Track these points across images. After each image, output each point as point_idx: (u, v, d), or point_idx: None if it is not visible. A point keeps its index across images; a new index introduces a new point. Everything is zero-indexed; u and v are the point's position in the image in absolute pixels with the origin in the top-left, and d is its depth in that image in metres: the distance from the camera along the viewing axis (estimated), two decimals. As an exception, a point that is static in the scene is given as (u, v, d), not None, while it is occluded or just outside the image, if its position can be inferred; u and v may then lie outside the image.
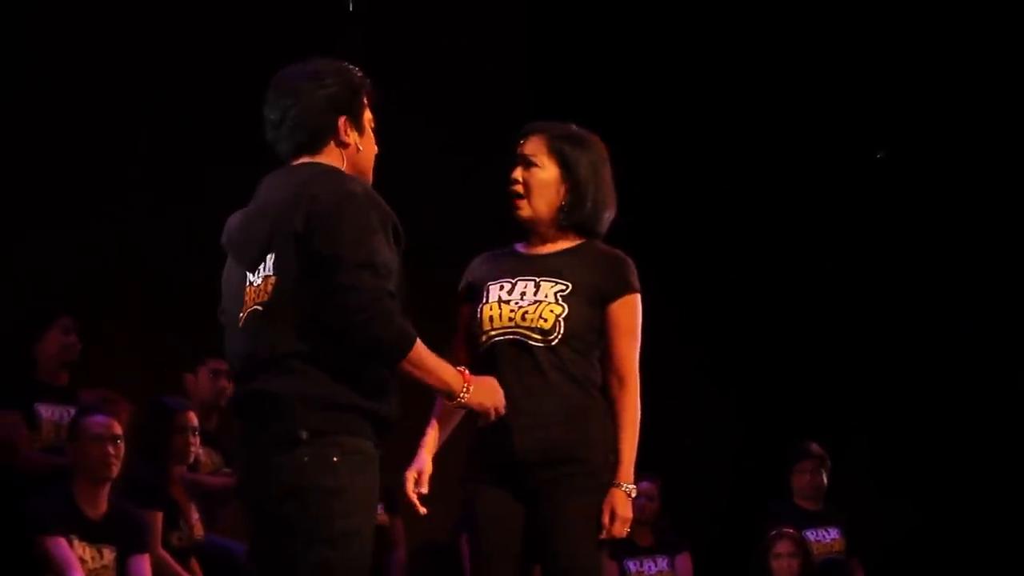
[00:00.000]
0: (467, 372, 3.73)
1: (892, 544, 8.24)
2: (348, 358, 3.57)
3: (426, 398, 3.93)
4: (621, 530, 4.13)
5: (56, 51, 7.03)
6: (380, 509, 7.38)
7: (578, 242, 4.29)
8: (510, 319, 4.19)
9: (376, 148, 3.86)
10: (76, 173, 7.04)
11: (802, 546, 7.32)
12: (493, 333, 4.21)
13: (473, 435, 4.27)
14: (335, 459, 3.57)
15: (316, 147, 3.76)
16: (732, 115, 8.61)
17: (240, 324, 3.69)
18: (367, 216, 3.61)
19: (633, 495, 4.14)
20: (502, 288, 4.25)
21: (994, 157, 8.52)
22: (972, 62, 8.41)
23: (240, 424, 3.76)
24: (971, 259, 8.56)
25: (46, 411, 6.36)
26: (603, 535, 4.12)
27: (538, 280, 4.22)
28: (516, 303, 4.20)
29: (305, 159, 3.76)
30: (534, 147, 4.28)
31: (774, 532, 7.32)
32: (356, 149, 3.80)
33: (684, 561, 7.61)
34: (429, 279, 7.83)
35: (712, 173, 8.52)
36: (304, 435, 3.57)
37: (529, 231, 4.33)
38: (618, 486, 4.12)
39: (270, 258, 3.65)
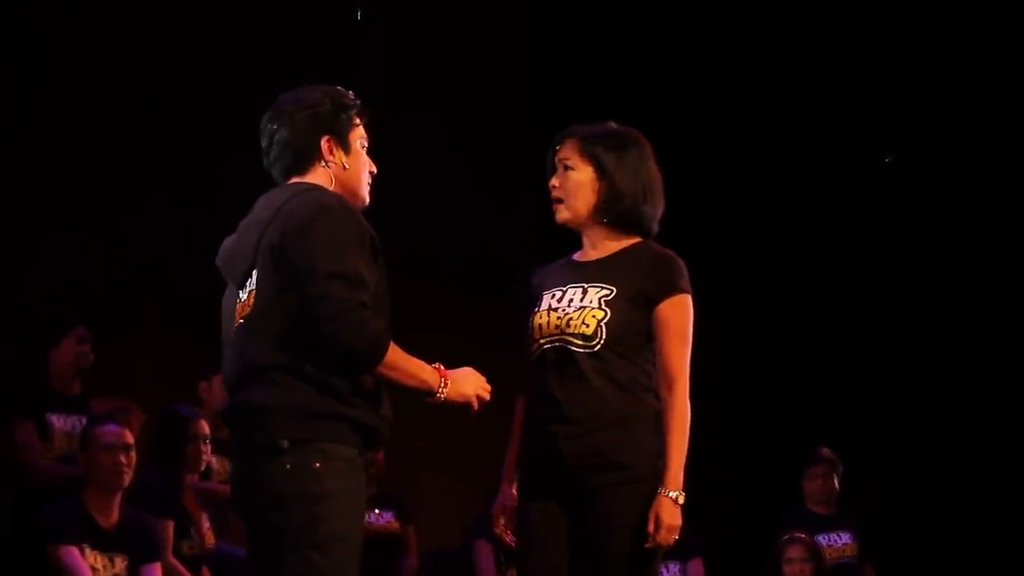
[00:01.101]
0: (442, 367, 3.75)
1: (905, 549, 8.23)
2: (328, 367, 3.62)
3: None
4: (668, 538, 4.04)
5: (81, 64, 7.06)
6: (392, 516, 7.42)
7: (629, 243, 4.25)
8: (556, 326, 4.17)
9: (369, 165, 3.93)
10: (93, 183, 7.06)
11: (814, 551, 7.30)
12: (542, 341, 4.19)
13: (521, 444, 4.28)
14: (316, 465, 3.62)
15: (302, 168, 3.85)
16: (741, 122, 8.60)
17: (231, 340, 3.80)
18: (341, 228, 3.68)
19: (681, 501, 4.05)
20: (553, 296, 4.24)
21: (1008, 158, 8.50)
22: (986, 65, 8.40)
23: (231, 435, 3.86)
24: (986, 263, 8.54)
25: (58, 421, 6.36)
26: (649, 543, 4.05)
27: (586, 286, 4.19)
28: (563, 310, 4.18)
29: (294, 180, 3.85)
30: (568, 151, 4.26)
31: (786, 537, 7.30)
32: (342, 168, 3.86)
33: (696, 566, 7.60)
34: (433, 282, 7.94)
35: (721, 180, 8.52)
36: (285, 444, 3.62)
37: (580, 237, 4.30)
38: (665, 493, 4.04)
39: (254, 273, 3.74)
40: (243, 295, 3.78)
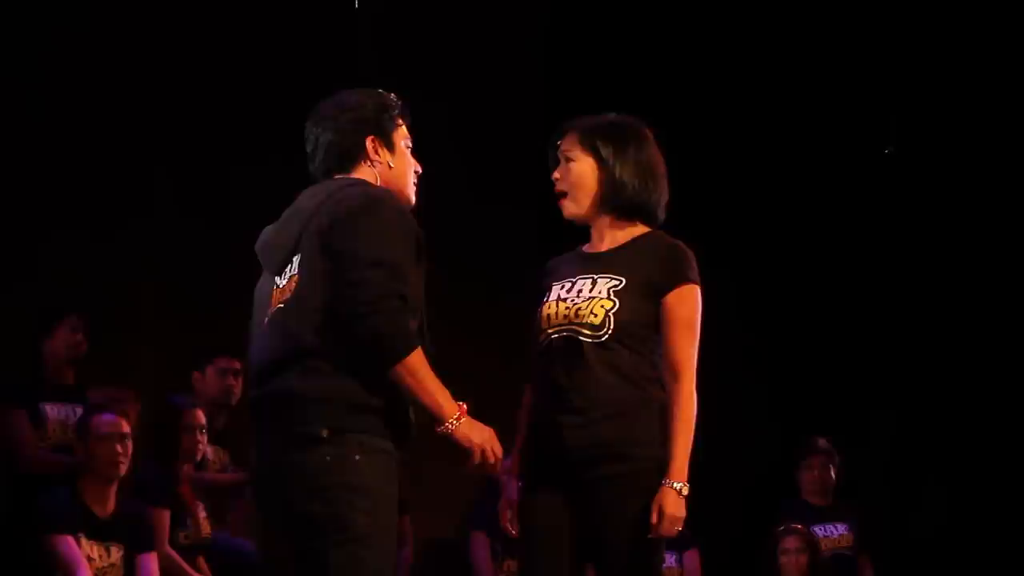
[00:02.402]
0: (465, 406, 3.70)
1: (901, 540, 8.23)
2: (365, 357, 3.59)
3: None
4: (671, 529, 4.03)
5: (78, 58, 7.05)
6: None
7: (637, 233, 4.24)
8: (564, 316, 4.16)
9: (414, 165, 3.98)
10: (90, 175, 7.05)
11: (810, 542, 7.30)
12: (550, 331, 4.18)
13: (526, 433, 4.27)
14: (357, 457, 3.60)
15: (347, 167, 3.88)
16: (746, 112, 8.59)
17: (264, 326, 3.76)
18: (387, 219, 3.68)
19: (685, 493, 4.03)
20: (562, 287, 4.23)
21: (1011, 148, 8.49)
22: (988, 55, 8.39)
23: (255, 424, 3.78)
24: (990, 253, 8.53)
25: (52, 410, 6.36)
26: (652, 534, 4.03)
27: (595, 277, 4.18)
28: (572, 301, 4.17)
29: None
30: (569, 144, 4.26)
31: (782, 528, 7.30)
32: (388, 167, 3.90)
33: (692, 557, 7.60)
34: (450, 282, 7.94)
35: (725, 170, 8.51)
36: (324, 433, 3.59)
37: (588, 229, 4.29)
38: (669, 484, 4.02)
39: (296, 259, 3.73)
40: (281, 281, 3.76)
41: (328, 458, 3.59)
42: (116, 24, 7.16)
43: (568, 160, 4.26)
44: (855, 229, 8.73)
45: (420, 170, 3.98)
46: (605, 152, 4.21)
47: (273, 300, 3.76)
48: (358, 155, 3.87)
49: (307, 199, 3.81)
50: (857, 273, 8.72)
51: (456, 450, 3.71)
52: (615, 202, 4.22)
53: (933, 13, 8.41)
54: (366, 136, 3.87)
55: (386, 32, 7.97)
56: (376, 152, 3.88)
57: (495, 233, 8.22)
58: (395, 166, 3.91)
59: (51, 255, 6.87)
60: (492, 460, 3.71)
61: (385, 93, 3.97)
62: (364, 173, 3.87)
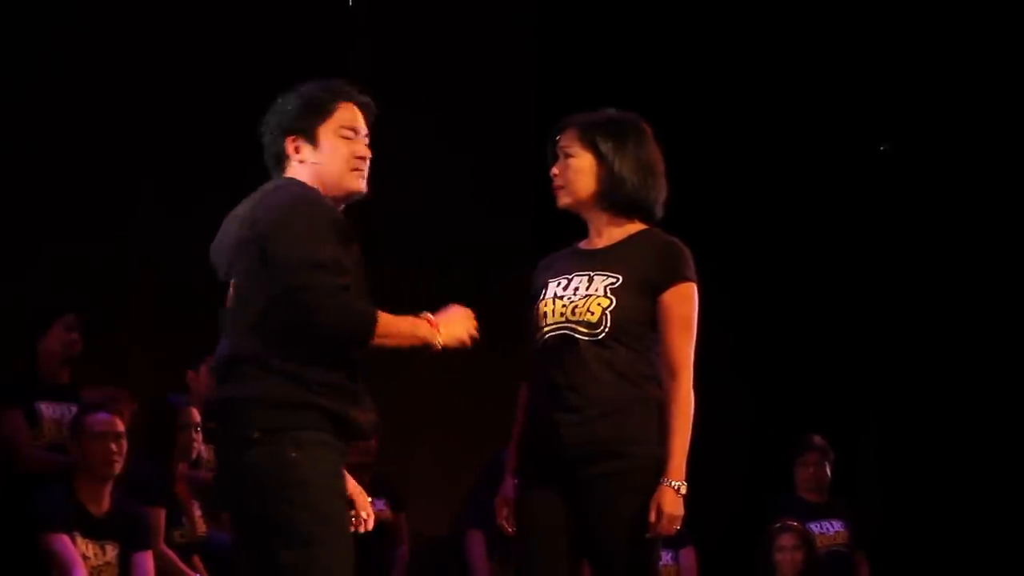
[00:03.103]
0: (430, 316, 3.82)
1: (896, 537, 8.23)
2: (304, 357, 3.69)
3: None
4: (669, 528, 4.04)
5: (76, 60, 7.07)
6: (384, 505, 7.41)
7: (634, 230, 4.23)
8: (561, 314, 4.16)
9: (353, 151, 3.92)
10: (85, 174, 7.05)
11: (806, 539, 7.30)
12: (547, 329, 4.18)
13: (522, 432, 4.27)
14: (292, 455, 3.67)
15: (279, 170, 3.92)
16: (738, 110, 8.59)
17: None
18: (313, 217, 3.73)
19: (683, 492, 4.04)
20: (559, 284, 4.22)
21: (1008, 147, 8.49)
22: (984, 51, 8.39)
23: (216, 429, 3.94)
24: (985, 252, 8.53)
25: (47, 409, 6.35)
26: (650, 533, 4.04)
27: (592, 274, 4.18)
28: (569, 298, 4.17)
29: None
30: (567, 139, 4.25)
31: (778, 525, 7.30)
32: (314, 163, 3.89)
33: (688, 555, 7.59)
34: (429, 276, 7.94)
35: (717, 169, 8.51)
36: (256, 435, 3.68)
37: (586, 226, 4.29)
38: (667, 483, 4.03)
39: (235, 266, 3.83)
40: (230, 289, 3.87)
41: (263, 457, 3.67)
42: (110, 23, 7.17)
43: (567, 156, 4.25)
44: (850, 225, 8.74)
45: (367, 153, 3.94)
46: (605, 148, 4.20)
47: (227, 305, 3.87)
48: (283, 157, 3.91)
49: (243, 205, 3.89)
50: (852, 270, 8.73)
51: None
52: (614, 198, 4.21)
53: (927, 10, 8.41)
54: (285, 137, 3.89)
55: (379, 33, 7.97)
56: (297, 151, 3.89)
57: (488, 230, 8.22)
58: (323, 160, 3.89)
59: (46, 255, 6.87)
60: (476, 333, 3.90)
61: (326, 82, 3.98)
62: (295, 172, 3.89)
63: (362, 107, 3.98)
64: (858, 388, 8.65)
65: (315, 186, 3.84)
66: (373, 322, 3.69)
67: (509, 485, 4.29)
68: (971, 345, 8.50)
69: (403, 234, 7.94)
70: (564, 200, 4.26)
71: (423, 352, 3.80)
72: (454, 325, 3.86)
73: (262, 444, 3.67)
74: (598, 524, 4.08)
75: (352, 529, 3.88)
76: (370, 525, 3.96)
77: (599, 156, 4.21)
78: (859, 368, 8.67)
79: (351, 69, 7.74)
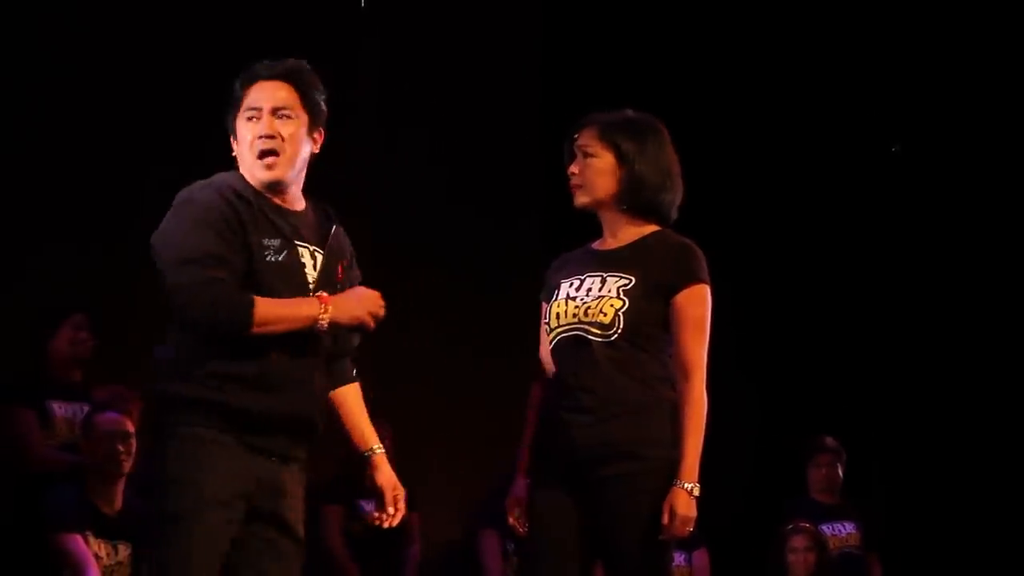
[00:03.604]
0: (324, 294, 3.73)
1: (909, 539, 8.21)
2: (193, 354, 3.68)
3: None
4: (682, 530, 4.04)
5: (80, 54, 7.05)
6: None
7: (648, 232, 4.23)
8: (574, 315, 4.16)
9: (255, 133, 3.80)
10: (93, 172, 7.04)
11: (818, 540, 7.29)
12: (560, 330, 4.18)
13: (534, 432, 4.27)
14: (168, 449, 3.69)
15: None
16: (753, 110, 8.58)
17: None
18: (183, 215, 3.73)
19: (696, 494, 4.04)
20: (571, 285, 4.22)
21: (1019, 148, 8.47)
22: (996, 52, 8.37)
23: None
24: (996, 252, 8.51)
25: (59, 408, 6.34)
26: (663, 535, 4.04)
27: (605, 275, 4.18)
28: (581, 299, 4.17)
29: None
30: (587, 138, 4.24)
31: (790, 526, 7.30)
32: (238, 154, 3.87)
33: (701, 557, 7.59)
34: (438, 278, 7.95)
35: (725, 170, 8.49)
36: (149, 432, 3.78)
37: (600, 226, 4.29)
38: (680, 485, 4.03)
39: None
40: None
41: (152, 455, 3.74)
42: (115, 22, 7.15)
43: (587, 155, 4.23)
44: (861, 226, 8.72)
45: (264, 130, 3.79)
46: (626, 148, 4.20)
47: None
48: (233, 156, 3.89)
49: None
50: (864, 270, 8.71)
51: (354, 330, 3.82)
52: (633, 199, 4.20)
53: (940, 11, 8.39)
54: (230, 137, 3.88)
55: (388, 33, 7.96)
56: (235, 148, 3.87)
57: (496, 232, 8.22)
58: (240, 150, 3.85)
59: (56, 254, 6.86)
60: (382, 314, 3.80)
61: (248, 68, 3.91)
62: (240, 167, 3.86)
63: (276, 78, 3.83)
64: (870, 388, 8.63)
65: (229, 177, 3.82)
66: (248, 310, 3.63)
67: (521, 485, 4.29)
68: (983, 345, 8.48)
69: (411, 236, 7.94)
70: (582, 199, 4.25)
71: (312, 327, 3.70)
72: (349, 302, 3.77)
73: (153, 440, 3.73)
74: (611, 526, 4.08)
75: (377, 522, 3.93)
76: (394, 522, 3.95)
77: (620, 156, 4.20)
78: (871, 368, 8.65)
79: (360, 70, 7.80)
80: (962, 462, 8.46)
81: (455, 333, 8.07)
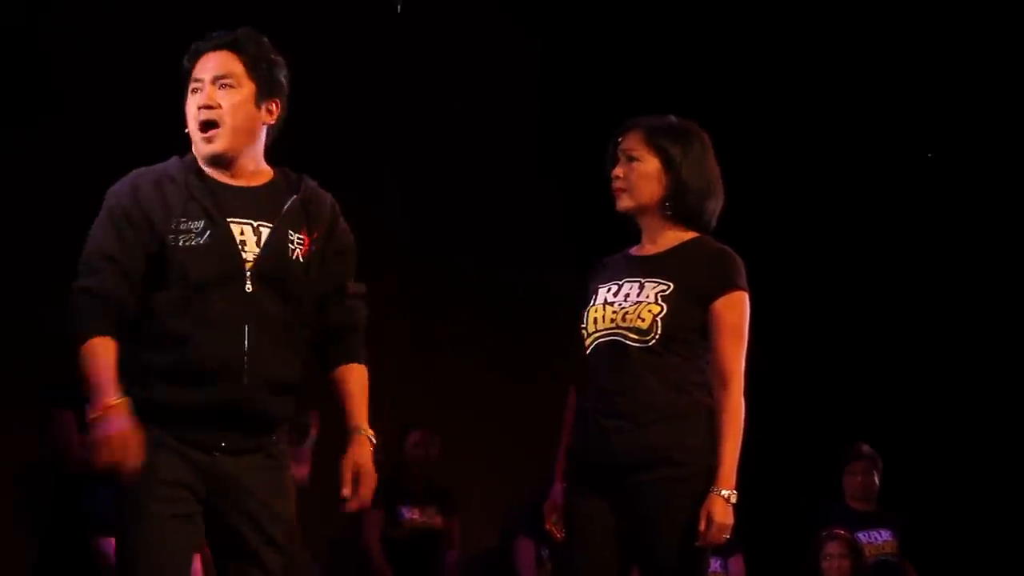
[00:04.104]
0: (121, 407, 3.46)
1: (945, 547, 8.18)
2: (124, 349, 3.56)
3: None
4: (719, 537, 4.02)
5: (111, 64, 7.09)
6: (435, 512, 7.44)
7: (687, 238, 4.22)
8: (611, 320, 4.15)
9: (195, 104, 3.65)
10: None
11: (853, 547, 7.27)
12: (597, 335, 4.18)
13: (571, 437, 4.26)
14: None
15: None
16: (788, 116, 8.57)
17: None
18: (101, 212, 3.66)
19: (733, 501, 4.03)
20: (609, 290, 4.22)
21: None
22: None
23: None
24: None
25: (96, 412, 6.36)
26: (700, 542, 4.03)
27: (643, 281, 4.18)
28: (619, 304, 4.16)
29: None
30: (633, 142, 4.23)
31: (825, 533, 7.28)
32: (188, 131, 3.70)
33: (737, 563, 7.59)
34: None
35: (759, 173, 8.49)
36: None
37: (639, 230, 4.28)
38: (717, 492, 4.02)
39: None
40: None
41: None
42: (143, 26, 7.18)
43: (631, 159, 4.22)
44: (897, 232, 8.70)
45: (204, 101, 3.61)
46: (672, 153, 4.19)
47: None
48: None
49: None
50: (901, 277, 8.69)
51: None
52: (676, 205, 4.20)
53: (976, 19, 8.37)
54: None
55: (419, 35, 7.98)
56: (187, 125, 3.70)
57: (532, 242, 8.23)
58: (189, 127, 3.68)
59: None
60: (108, 460, 3.45)
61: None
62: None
63: (218, 48, 3.66)
64: (908, 395, 8.61)
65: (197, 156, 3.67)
66: (78, 336, 3.53)
67: (557, 490, 4.28)
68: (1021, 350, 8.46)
69: (448, 247, 7.97)
70: (626, 203, 4.24)
71: None
72: (116, 439, 3.43)
73: None
74: (648, 532, 4.07)
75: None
76: (350, 506, 3.68)
77: (666, 161, 4.20)
78: (909, 375, 8.63)
79: (391, 70, 7.82)
80: (999, 470, 8.44)
81: (493, 343, 8.09)
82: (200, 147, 3.65)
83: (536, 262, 8.11)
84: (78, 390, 6.32)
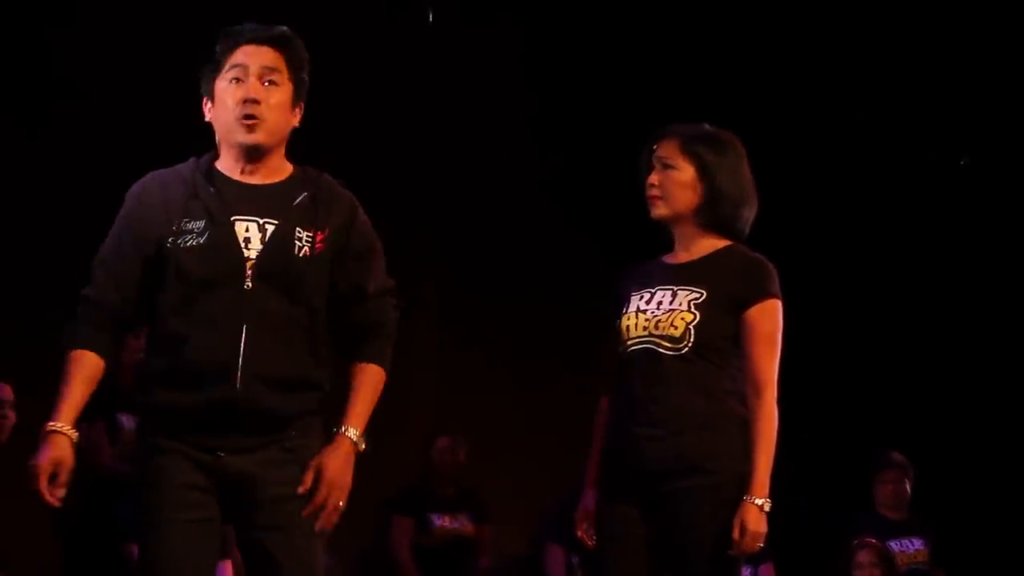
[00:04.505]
0: (52, 436, 3.45)
1: (978, 555, 8.15)
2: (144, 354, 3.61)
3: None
4: (752, 545, 4.01)
5: (140, 71, 7.12)
6: (467, 519, 7.45)
7: (720, 246, 4.22)
8: (644, 328, 4.15)
9: (239, 96, 3.59)
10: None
11: (885, 556, 7.25)
12: (630, 343, 4.17)
13: (603, 445, 4.26)
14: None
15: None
16: (821, 124, 8.56)
17: None
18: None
19: (767, 509, 4.02)
20: (641, 298, 4.21)
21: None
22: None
23: None
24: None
25: (128, 421, 6.37)
26: (733, 550, 4.02)
27: (676, 289, 4.17)
28: (652, 312, 4.15)
29: None
30: (668, 150, 4.23)
31: (856, 542, 7.25)
32: (214, 118, 3.66)
33: (768, 571, 7.56)
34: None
35: (790, 181, 8.47)
36: None
37: (671, 238, 4.28)
38: (750, 500, 4.01)
39: None
40: None
41: None
42: (168, 36, 7.22)
43: (667, 167, 4.22)
44: (930, 240, 8.67)
45: (251, 94, 3.57)
46: (709, 161, 4.19)
47: None
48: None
49: None
50: (932, 283, 8.66)
51: None
52: (711, 213, 4.20)
53: (1010, 24, 8.35)
54: (202, 103, 3.68)
55: (454, 49, 8.00)
56: (209, 113, 3.67)
57: (564, 248, 8.24)
58: (218, 116, 3.63)
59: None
60: (43, 496, 3.46)
61: (224, 32, 3.66)
62: (216, 132, 3.68)
63: (265, 42, 3.62)
64: (940, 403, 8.58)
65: (220, 144, 3.65)
66: (66, 349, 3.55)
67: (589, 498, 4.28)
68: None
69: (481, 254, 7.98)
70: (661, 211, 4.24)
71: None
72: (46, 460, 3.43)
73: None
74: (680, 540, 4.07)
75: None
76: (324, 524, 3.54)
77: (701, 169, 4.19)
78: (941, 383, 8.60)
79: (425, 85, 7.84)
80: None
81: (524, 349, 8.09)
82: (239, 135, 3.60)
83: (565, 268, 8.11)
84: (109, 400, 6.43)
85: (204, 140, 3.73)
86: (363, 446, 3.60)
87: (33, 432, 3.55)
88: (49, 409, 3.38)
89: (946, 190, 8.70)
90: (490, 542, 7.58)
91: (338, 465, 3.54)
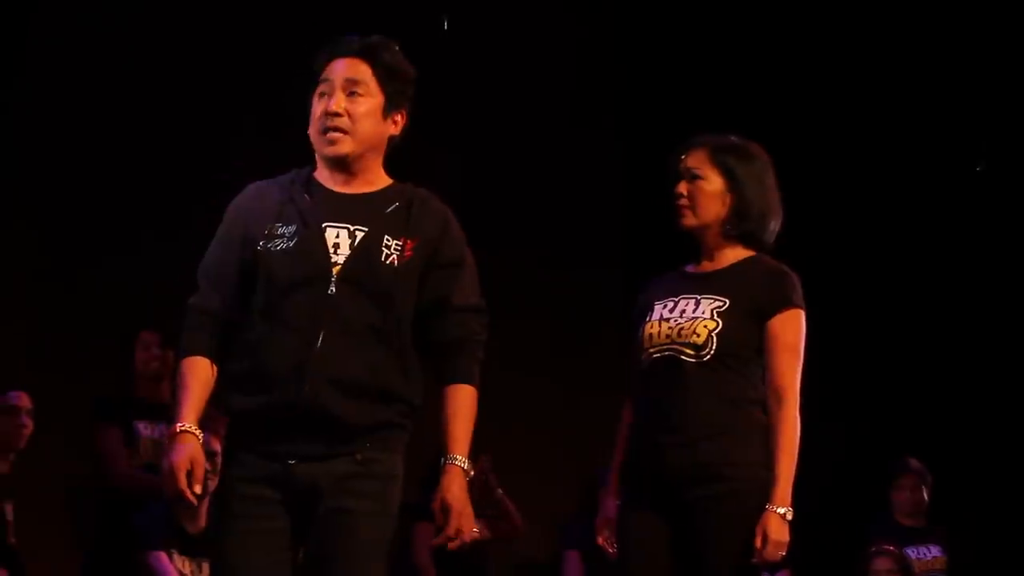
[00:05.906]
0: (182, 436, 3.52)
1: (995, 562, 8.13)
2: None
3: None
4: (775, 554, 4.01)
5: (152, 71, 7.12)
6: (484, 524, 7.43)
7: (744, 256, 4.23)
8: (667, 336, 4.16)
9: (320, 109, 3.63)
10: (163, 190, 7.11)
11: (902, 563, 7.25)
12: (652, 350, 4.18)
13: (625, 452, 4.26)
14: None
15: None
16: (836, 133, 8.56)
17: None
18: None
19: (789, 518, 4.01)
20: (665, 307, 4.22)
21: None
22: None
23: None
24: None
25: (145, 428, 6.38)
26: (755, 559, 4.01)
27: (699, 297, 4.18)
28: (675, 320, 4.16)
29: None
30: (697, 160, 4.24)
31: (874, 549, 7.25)
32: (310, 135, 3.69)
33: (785, 578, 7.56)
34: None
35: (808, 190, 8.45)
36: None
37: (697, 247, 4.29)
38: (772, 509, 4.00)
39: None
40: None
41: None
42: (192, 33, 7.23)
43: (695, 177, 4.23)
44: (948, 247, 8.66)
45: (332, 107, 3.59)
46: (738, 172, 4.20)
47: None
48: None
49: None
50: (949, 291, 8.65)
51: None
52: (738, 225, 4.22)
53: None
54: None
55: (468, 59, 8.00)
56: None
57: (585, 261, 8.25)
58: (310, 130, 3.67)
59: (132, 270, 6.92)
60: (167, 489, 3.53)
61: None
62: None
63: (351, 54, 3.64)
64: (957, 410, 8.56)
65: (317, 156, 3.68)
66: (179, 357, 3.60)
67: (611, 506, 4.28)
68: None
69: (504, 265, 7.98)
70: (690, 221, 4.25)
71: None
72: (171, 454, 3.52)
73: None
74: (702, 548, 4.07)
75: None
76: (452, 546, 3.56)
77: (730, 180, 4.21)
78: (959, 390, 8.59)
79: (438, 94, 7.84)
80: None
81: (542, 357, 8.10)
82: (322, 147, 3.62)
83: (586, 277, 8.11)
84: (125, 407, 6.43)
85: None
86: (472, 473, 3.63)
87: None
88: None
89: (963, 197, 8.69)
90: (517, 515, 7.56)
91: (461, 496, 3.55)
